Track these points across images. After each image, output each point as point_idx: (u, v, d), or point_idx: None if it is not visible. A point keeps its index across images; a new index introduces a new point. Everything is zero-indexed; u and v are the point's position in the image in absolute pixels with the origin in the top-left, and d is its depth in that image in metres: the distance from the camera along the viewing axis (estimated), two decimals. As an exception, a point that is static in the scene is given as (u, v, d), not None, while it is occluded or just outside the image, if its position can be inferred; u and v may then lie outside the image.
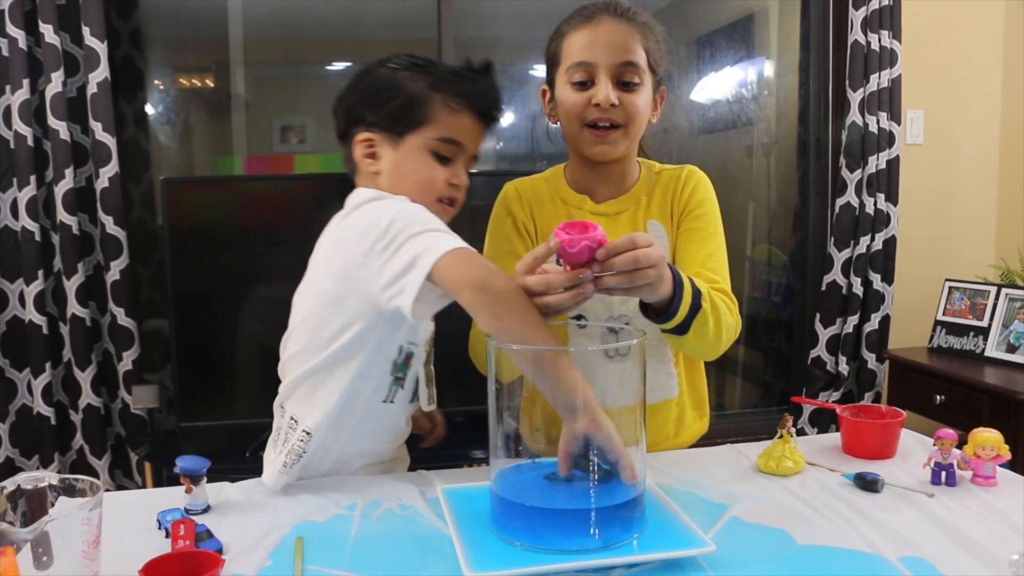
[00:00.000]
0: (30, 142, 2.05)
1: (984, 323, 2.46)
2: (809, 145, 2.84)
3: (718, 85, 2.93)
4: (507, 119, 1.06)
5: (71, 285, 2.10)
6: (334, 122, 1.20)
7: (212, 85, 2.68)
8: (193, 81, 2.65)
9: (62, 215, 2.07)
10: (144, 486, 2.18)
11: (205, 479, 1.02)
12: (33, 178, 2.06)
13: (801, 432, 2.54)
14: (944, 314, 2.58)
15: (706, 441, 1.36)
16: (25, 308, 2.10)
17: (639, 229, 1.25)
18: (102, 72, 2.06)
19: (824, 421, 2.65)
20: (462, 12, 2.57)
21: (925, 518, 0.98)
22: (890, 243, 2.63)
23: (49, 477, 0.80)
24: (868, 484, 1.06)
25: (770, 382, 3.11)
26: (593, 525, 0.87)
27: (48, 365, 2.12)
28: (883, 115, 2.57)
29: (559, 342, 0.93)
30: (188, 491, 1.00)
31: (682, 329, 1.06)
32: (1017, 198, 2.82)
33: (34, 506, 0.79)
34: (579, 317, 1.22)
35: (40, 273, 2.09)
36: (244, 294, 2.04)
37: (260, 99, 2.74)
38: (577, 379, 0.90)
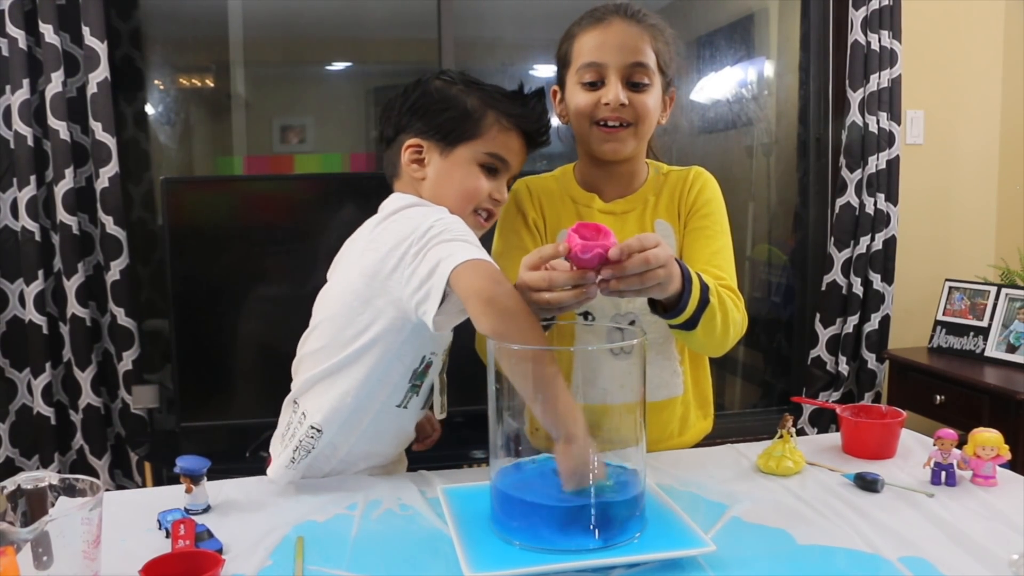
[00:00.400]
0: (30, 142, 2.05)
1: (984, 323, 2.46)
2: (809, 145, 2.84)
3: (718, 85, 2.93)
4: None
5: (71, 285, 2.10)
6: (380, 127, 1.22)
7: (212, 85, 2.68)
8: (193, 81, 2.65)
9: (62, 215, 2.07)
10: (144, 486, 2.18)
11: (205, 479, 1.02)
12: (33, 178, 2.06)
13: (801, 432, 2.54)
14: (944, 314, 2.58)
15: (706, 441, 1.36)
16: (25, 308, 2.10)
17: (647, 228, 1.26)
18: (102, 72, 2.06)
19: (824, 421, 2.65)
20: (462, 12, 2.57)
21: (925, 518, 0.98)
22: (890, 243, 2.63)
23: (49, 477, 0.80)
24: (868, 484, 1.06)
25: (770, 382, 3.11)
26: (593, 525, 0.87)
27: (48, 365, 2.12)
28: (883, 115, 2.57)
29: (557, 363, 0.93)
30: (188, 491, 1.00)
31: (691, 324, 1.07)
32: (1017, 198, 2.82)
33: (34, 506, 0.79)
34: (586, 315, 1.24)
35: (40, 273, 2.09)
36: (244, 294, 2.04)
37: (260, 99, 2.74)
38: (572, 405, 0.90)
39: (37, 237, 2.08)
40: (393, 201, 1.14)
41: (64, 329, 2.14)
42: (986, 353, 2.43)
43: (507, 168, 1.16)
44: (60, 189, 2.06)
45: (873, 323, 2.64)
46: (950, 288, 2.59)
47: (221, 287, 2.05)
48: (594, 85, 1.19)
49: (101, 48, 2.05)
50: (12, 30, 2.01)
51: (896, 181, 2.61)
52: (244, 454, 2.07)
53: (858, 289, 2.63)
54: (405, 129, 1.16)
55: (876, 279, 2.62)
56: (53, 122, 2.05)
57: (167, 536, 0.92)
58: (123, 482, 2.25)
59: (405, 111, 1.16)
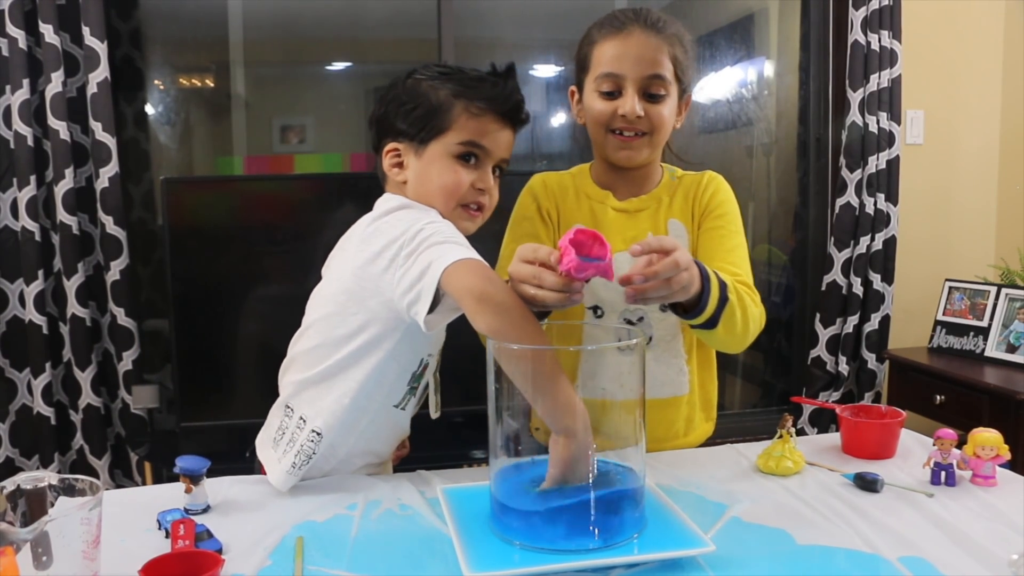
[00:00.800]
0: (30, 142, 2.05)
1: (984, 323, 2.46)
2: (809, 145, 2.84)
3: (718, 85, 2.93)
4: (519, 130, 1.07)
5: (71, 285, 2.10)
6: (371, 133, 1.21)
7: (212, 85, 2.68)
8: (193, 81, 2.65)
9: (62, 215, 2.07)
10: (144, 486, 2.18)
11: (205, 479, 1.02)
12: (33, 178, 2.06)
13: (801, 432, 2.54)
14: (944, 314, 2.58)
15: (707, 441, 1.36)
16: (25, 308, 2.10)
17: (660, 227, 1.28)
18: (102, 72, 2.06)
19: (824, 421, 2.65)
20: (462, 12, 2.57)
21: (925, 518, 0.98)
22: (890, 243, 2.63)
23: (49, 477, 0.80)
24: (868, 484, 1.06)
25: (770, 382, 3.11)
26: (593, 525, 0.87)
27: (48, 365, 2.12)
28: (883, 115, 2.57)
29: (555, 356, 0.93)
30: (188, 491, 1.00)
31: (711, 323, 1.08)
32: (1017, 198, 2.82)
33: (34, 506, 0.79)
34: (595, 309, 1.25)
35: (40, 273, 2.09)
36: (244, 294, 2.04)
37: (260, 99, 2.74)
38: (573, 400, 0.91)
39: (37, 237, 2.08)
40: (386, 201, 1.14)
41: (64, 329, 2.14)
42: (986, 353, 2.43)
43: (487, 153, 1.13)
44: (60, 189, 2.06)
45: (873, 323, 2.64)
46: (950, 288, 2.59)
47: (221, 287, 2.05)
48: (611, 95, 1.21)
49: (101, 48, 2.05)
50: (12, 30, 2.01)
51: (896, 181, 2.61)
52: (244, 454, 2.07)
53: (858, 289, 2.62)
54: (384, 134, 1.16)
55: (876, 279, 2.62)
56: (53, 122, 2.04)
57: (167, 536, 0.92)
58: (123, 482, 2.25)
59: (381, 115, 1.16)
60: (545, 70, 2.92)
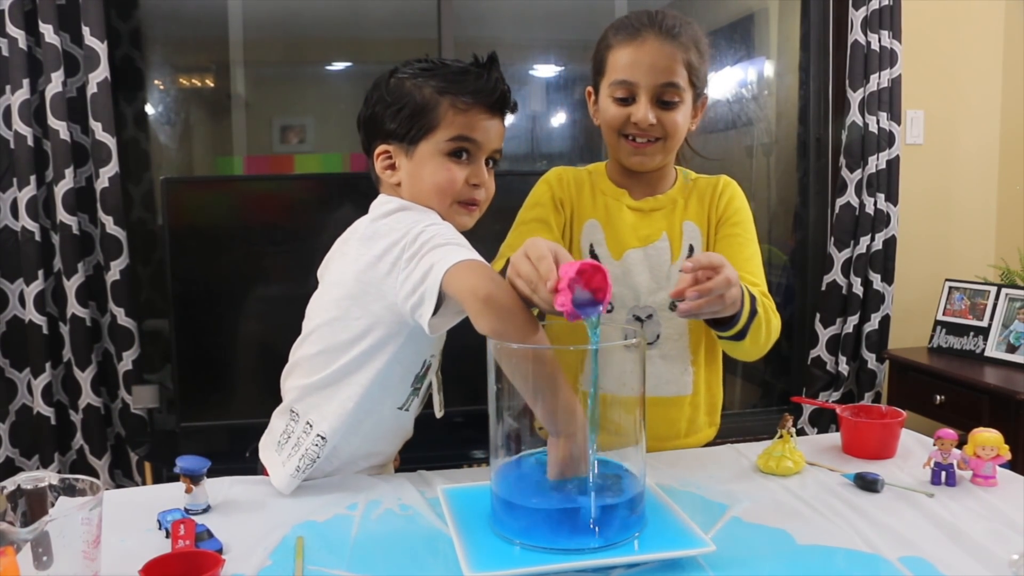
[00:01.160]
0: (30, 142, 2.05)
1: (984, 323, 2.46)
2: (809, 145, 2.84)
3: (718, 85, 2.93)
4: (507, 119, 1.05)
5: (71, 285, 2.10)
6: (360, 137, 1.20)
7: (212, 85, 2.68)
8: (193, 81, 2.65)
9: (62, 215, 2.07)
10: (144, 486, 2.18)
11: (205, 479, 1.02)
12: (33, 178, 2.06)
13: (801, 432, 2.54)
14: (944, 314, 2.58)
15: (707, 443, 1.36)
16: (25, 308, 2.10)
17: (675, 228, 1.29)
18: (102, 72, 2.06)
19: (824, 421, 2.65)
20: (462, 12, 2.57)
21: (925, 518, 0.98)
22: (890, 243, 2.63)
23: (49, 477, 0.80)
24: (868, 484, 1.06)
25: (770, 382, 3.11)
26: (593, 524, 0.87)
27: (48, 365, 2.12)
28: (883, 115, 2.57)
29: (556, 359, 0.93)
30: (188, 491, 1.00)
31: (741, 335, 1.11)
32: (1017, 198, 2.82)
33: (34, 506, 0.79)
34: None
35: (40, 273, 2.09)
36: (244, 294, 2.04)
37: (260, 99, 2.74)
38: (571, 403, 0.91)
39: (37, 237, 2.08)
40: (383, 203, 1.13)
41: (64, 329, 2.14)
42: (986, 353, 2.43)
43: (478, 147, 1.12)
44: (60, 189, 2.06)
45: (873, 323, 2.64)
46: (950, 288, 2.59)
47: (221, 287, 2.05)
48: (625, 101, 1.22)
49: (101, 48, 2.05)
50: (12, 30, 2.01)
51: (896, 181, 2.61)
52: (244, 454, 2.07)
53: (858, 289, 2.62)
54: (373, 135, 1.15)
55: (876, 279, 2.62)
56: (53, 122, 2.04)
57: (167, 536, 0.92)
58: (123, 482, 2.25)
59: (369, 117, 1.15)
60: (545, 70, 2.91)
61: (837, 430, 1.28)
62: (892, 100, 2.57)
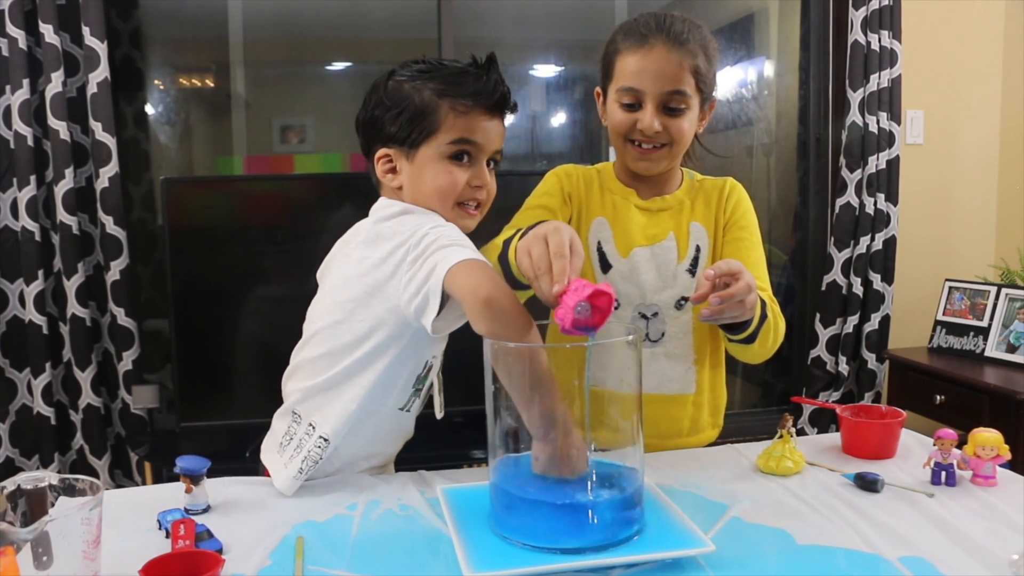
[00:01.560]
0: (30, 142, 2.05)
1: (984, 323, 2.46)
2: (809, 145, 2.84)
3: (719, 85, 2.93)
4: (507, 119, 1.06)
5: (71, 285, 2.10)
6: (359, 139, 1.19)
7: (212, 85, 2.68)
8: (193, 81, 2.65)
9: (62, 215, 2.07)
10: (144, 486, 2.18)
11: (205, 479, 1.02)
12: (33, 178, 2.06)
13: (801, 432, 2.54)
14: (944, 314, 2.58)
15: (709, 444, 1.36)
16: (25, 308, 2.10)
17: (682, 229, 1.31)
18: (102, 72, 2.06)
19: (824, 421, 2.65)
20: (462, 12, 2.57)
21: (925, 518, 0.98)
22: (890, 243, 2.63)
23: (49, 477, 0.80)
24: (868, 484, 1.06)
25: (770, 382, 3.11)
26: (592, 523, 0.87)
27: (48, 365, 2.12)
28: (883, 115, 2.57)
29: (545, 364, 0.94)
30: (188, 491, 1.00)
31: (751, 339, 1.15)
32: (1017, 198, 2.82)
33: (34, 506, 0.79)
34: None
35: (40, 273, 2.09)
36: (244, 294, 2.04)
37: (260, 99, 2.74)
38: (555, 409, 0.92)
39: (37, 237, 2.08)
40: (385, 207, 1.13)
41: (64, 329, 2.14)
42: (986, 353, 2.43)
43: (479, 149, 1.11)
44: (60, 189, 2.06)
45: (873, 323, 2.64)
46: (950, 288, 2.59)
47: (221, 287, 2.05)
48: (632, 107, 1.22)
49: (101, 48, 2.05)
50: (12, 30, 2.01)
51: (896, 181, 2.61)
52: (244, 454, 2.07)
53: (858, 289, 2.62)
54: (373, 139, 1.15)
55: (876, 279, 2.62)
56: (53, 122, 2.04)
57: (167, 536, 0.92)
58: (123, 482, 2.25)
59: (368, 120, 1.14)
60: (545, 70, 2.91)
61: (837, 430, 1.28)
62: (892, 100, 2.57)
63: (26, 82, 2.03)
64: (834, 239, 2.63)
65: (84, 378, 2.13)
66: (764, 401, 3.10)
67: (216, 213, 2.06)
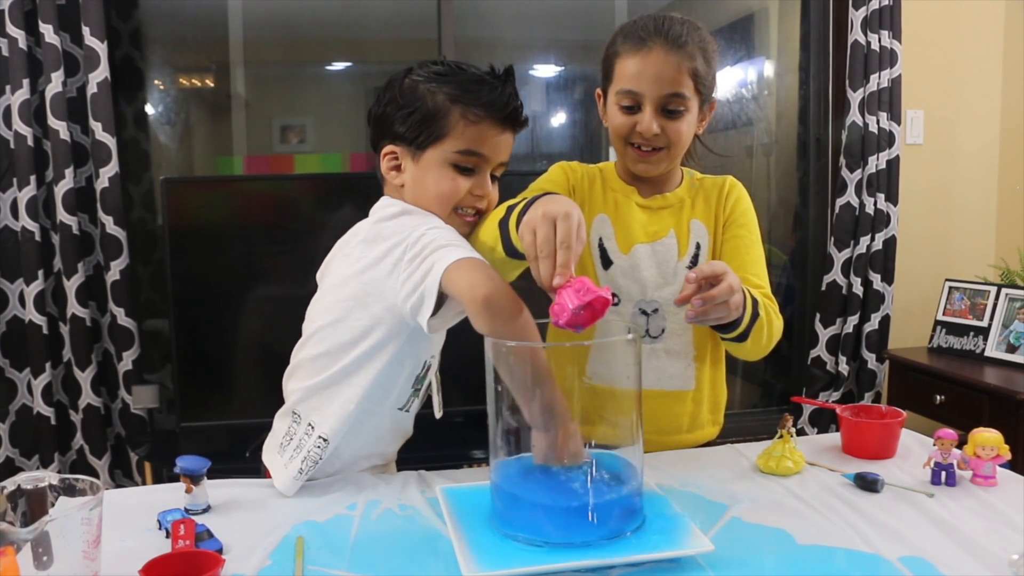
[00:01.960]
0: (30, 142, 2.05)
1: (984, 323, 2.46)
2: (809, 145, 2.84)
3: (719, 85, 2.93)
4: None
5: (71, 285, 2.10)
6: (369, 132, 1.20)
7: (212, 85, 2.68)
8: (193, 81, 2.65)
9: (62, 215, 2.07)
10: (144, 486, 2.18)
11: (205, 479, 1.02)
12: (33, 178, 2.06)
13: (801, 432, 2.54)
14: (944, 314, 2.58)
15: (709, 442, 1.36)
16: (25, 308, 2.10)
17: (682, 226, 1.31)
18: (102, 72, 2.06)
19: (824, 421, 2.65)
20: (462, 12, 2.57)
21: (925, 518, 0.98)
22: (890, 243, 2.63)
23: (49, 477, 0.80)
24: (868, 484, 1.06)
25: (770, 382, 3.11)
26: (591, 520, 0.87)
27: (48, 365, 2.12)
28: (883, 115, 2.57)
29: (544, 359, 0.94)
30: (188, 491, 1.00)
31: (742, 337, 1.15)
32: (1017, 198, 2.82)
33: (34, 506, 0.79)
34: (612, 296, 1.26)
35: (40, 273, 2.09)
36: (244, 294, 2.04)
37: (260, 99, 2.74)
38: (554, 402, 0.92)
39: (37, 237, 2.08)
40: (385, 207, 1.13)
41: (64, 329, 2.14)
42: (986, 353, 2.42)
43: (485, 160, 1.12)
44: (60, 189, 2.06)
45: (873, 323, 2.64)
46: (950, 288, 2.59)
47: (221, 287, 2.05)
48: (631, 109, 1.23)
49: (101, 48, 2.05)
50: (12, 30, 2.01)
51: (896, 181, 2.61)
52: (244, 454, 2.07)
53: (858, 289, 2.62)
54: (382, 134, 1.15)
55: (876, 279, 2.62)
56: (53, 122, 2.04)
57: (167, 536, 0.92)
58: (123, 482, 2.25)
59: (381, 115, 1.14)
60: (545, 70, 2.92)
61: (837, 430, 1.28)
62: (892, 100, 2.57)
63: (26, 82, 2.03)
64: (834, 239, 2.63)
65: (84, 378, 2.13)
66: (764, 401, 3.10)
67: (216, 213, 2.06)
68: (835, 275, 2.63)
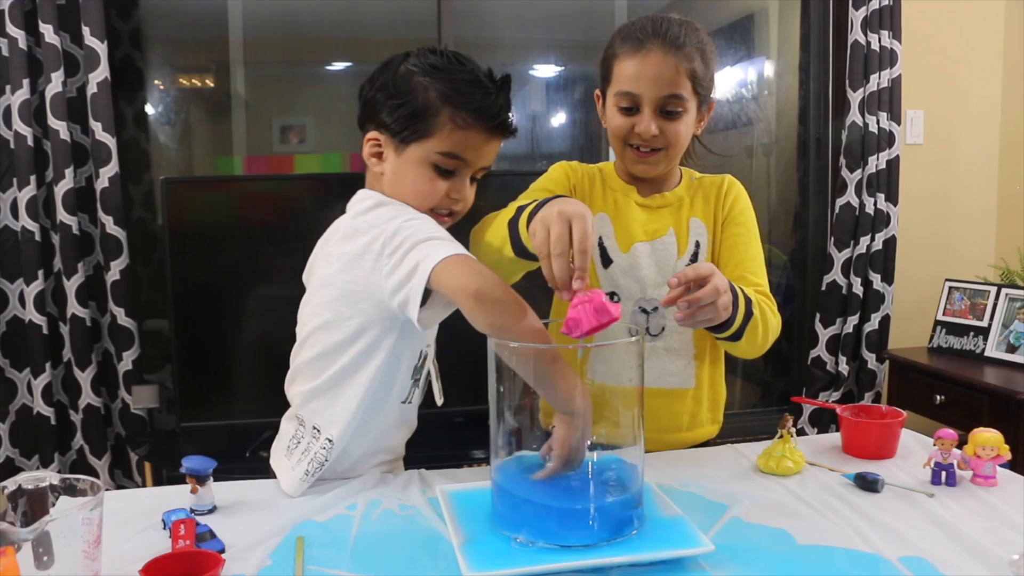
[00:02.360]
0: (30, 142, 2.05)
1: (984, 323, 2.46)
2: (809, 145, 2.84)
3: (718, 85, 2.93)
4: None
5: (71, 285, 2.10)
6: (359, 108, 1.18)
7: (212, 85, 2.68)
8: (193, 81, 2.65)
9: (62, 215, 2.07)
10: (144, 486, 2.18)
11: (211, 479, 1.02)
12: (33, 178, 2.06)
13: (801, 432, 2.54)
14: (944, 314, 2.58)
15: (708, 441, 1.36)
16: (25, 308, 2.10)
17: (682, 224, 1.32)
18: (102, 72, 2.06)
19: (824, 421, 2.65)
20: (462, 12, 2.57)
21: (925, 518, 0.98)
22: (890, 243, 2.63)
23: (50, 477, 0.80)
24: (868, 484, 1.06)
25: (770, 382, 3.11)
26: (592, 520, 0.87)
27: (48, 365, 2.12)
28: (883, 115, 2.57)
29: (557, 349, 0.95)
30: (193, 491, 1.00)
31: (736, 336, 1.15)
32: (1017, 198, 2.82)
33: (35, 506, 0.79)
34: (612, 294, 1.29)
35: (40, 273, 2.09)
36: (244, 294, 2.04)
37: (260, 99, 2.74)
38: (575, 381, 0.92)
39: (37, 237, 2.08)
40: (359, 200, 1.13)
41: (64, 329, 2.14)
42: (986, 353, 2.43)
43: (467, 165, 1.11)
44: (60, 189, 2.06)
45: (873, 323, 2.64)
46: (950, 288, 2.59)
47: (221, 287, 2.05)
48: (629, 111, 1.23)
49: (101, 48, 2.05)
50: (12, 30, 2.01)
51: (896, 181, 2.61)
52: (244, 454, 2.07)
53: (858, 289, 2.63)
54: (369, 118, 1.14)
55: (876, 279, 2.62)
56: (53, 122, 2.04)
57: (171, 536, 0.92)
58: (123, 482, 2.25)
59: (369, 99, 1.13)
60: (545, 70, 2.91)
61: (837, 430, 1.28)
62: (892, 100, 2.58)
63: (26, 82, 2.03)
64: (834, 239, 2.63)
65: (84, 378, 2.13)
66: (764, 401, 3.10)
67: (216, 213, 2.06)
68: (835, 275, 2.63)
